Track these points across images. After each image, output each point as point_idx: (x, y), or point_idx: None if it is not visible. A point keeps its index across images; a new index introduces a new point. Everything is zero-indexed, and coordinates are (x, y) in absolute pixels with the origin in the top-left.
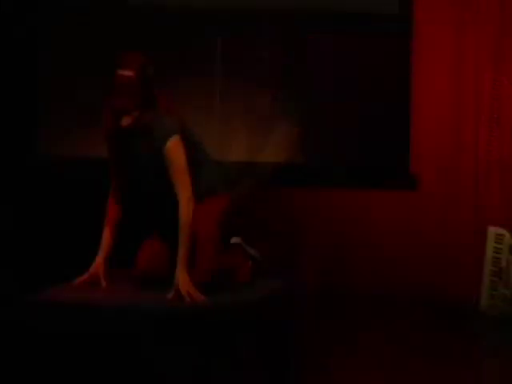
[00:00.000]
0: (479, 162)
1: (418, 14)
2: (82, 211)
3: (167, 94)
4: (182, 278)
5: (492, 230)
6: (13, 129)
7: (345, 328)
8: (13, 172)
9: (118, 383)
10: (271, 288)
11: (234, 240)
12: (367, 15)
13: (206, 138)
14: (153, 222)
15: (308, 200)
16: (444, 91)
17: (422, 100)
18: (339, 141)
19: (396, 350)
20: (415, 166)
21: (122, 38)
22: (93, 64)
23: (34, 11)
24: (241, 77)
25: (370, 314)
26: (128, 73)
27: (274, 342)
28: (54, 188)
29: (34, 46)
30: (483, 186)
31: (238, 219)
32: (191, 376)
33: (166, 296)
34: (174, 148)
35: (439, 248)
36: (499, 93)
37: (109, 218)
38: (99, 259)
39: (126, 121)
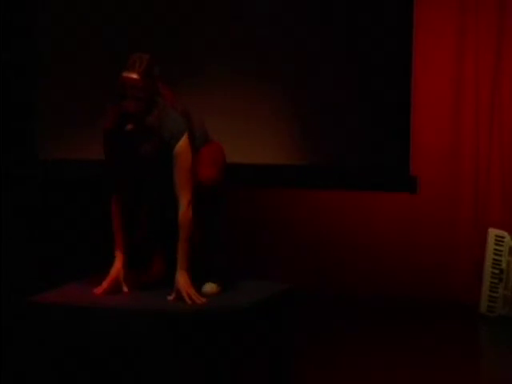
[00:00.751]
0: (479, 163)
1: (419, 15)
2: (82, 213)
3: (170, 89)
4: (182, 279)
5: (492, 232)
6: (11, 133)
7: (344, 328)
8: (12, 176)
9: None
10: (271, 289)
11: None
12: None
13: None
14: (154, 222)
15: (308, 201)
16: (444, 92)
17: (422, 101)
18: (339, 142)
19: (396, 350)
20: (415, 168)
21: (121, 39)
22: (93, 65)
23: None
24: (241, 75)
25: (369, 315)
26: (133, 75)
27: (274, 343)
28: (54, 191)
29: (34, 47)
30: (483, 187)
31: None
32: (192, 377)
33: (166, 298)
34: (184, 149)
35: (439, 249)
36: (499, 93)
37: (116, 221)
38: (117, 265)
39: (130, 123)
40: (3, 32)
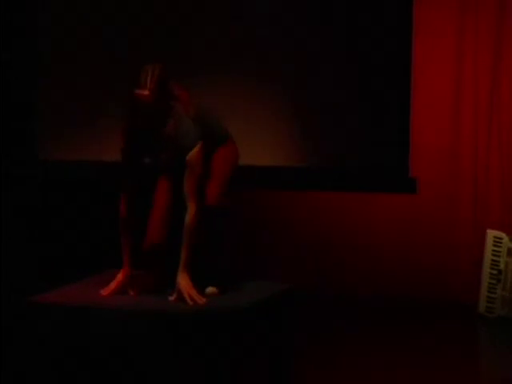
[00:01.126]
0: (479, 163)
1: (418, 15)
2: (82, 213)
3: (181, 88)
4: (183, 280)
5: (490, 233)
6: (11, 133)
7: (344, 328)
8: (12, 176)
9: None
10: (271, 289)
11: None
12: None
13: None
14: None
15: (308, 201)
16: (444, 92)
17: (422, 101)
18: (339, 142)
19: (396, 350)
20: (415, 168)
21: (121, 39)
22: (93, 65)
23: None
24: (241, 75)
25: (369, 315)
26: (144, 92)
27: (274, 343)
28: (54, 191)
29: (34, 47)
30: (482, 187)
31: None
32: (192, 377)
33: (167, 298)
34: (195, 159)
35: (439, 249)
36: (498, 93)
37: (124, 223)
38: (125, 268)
39: (145, 136)
40: (3, 32)
